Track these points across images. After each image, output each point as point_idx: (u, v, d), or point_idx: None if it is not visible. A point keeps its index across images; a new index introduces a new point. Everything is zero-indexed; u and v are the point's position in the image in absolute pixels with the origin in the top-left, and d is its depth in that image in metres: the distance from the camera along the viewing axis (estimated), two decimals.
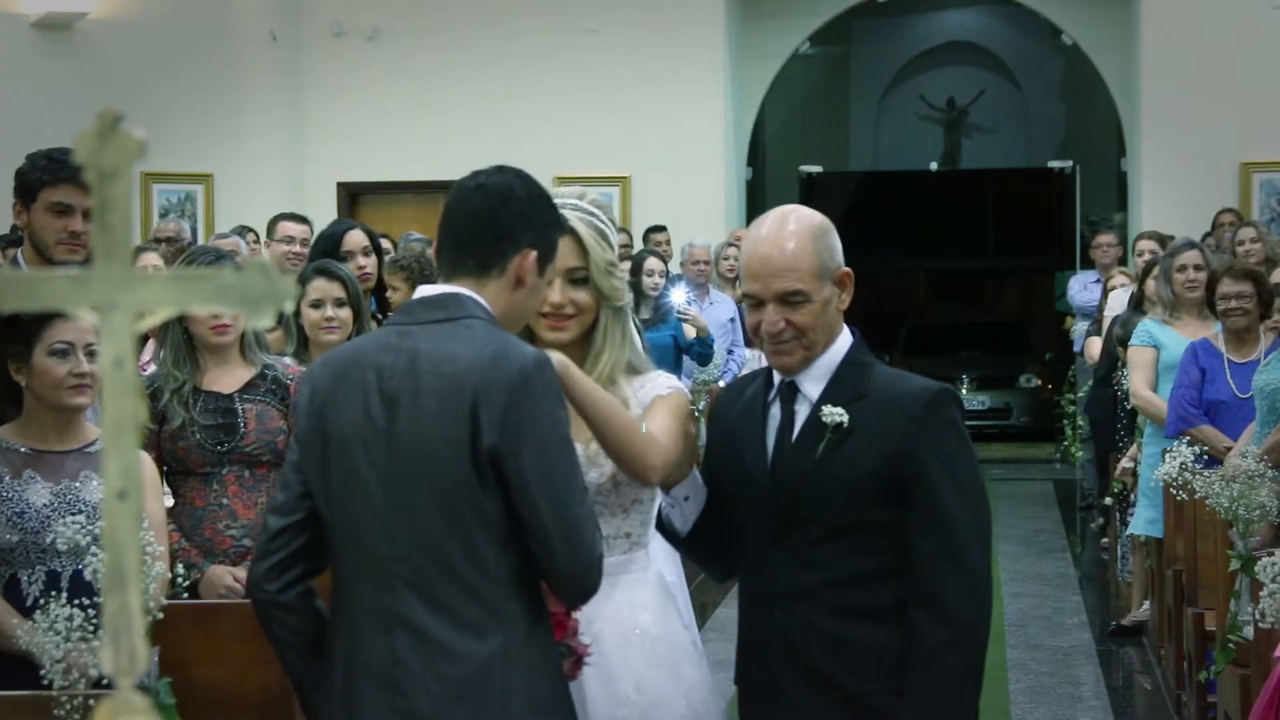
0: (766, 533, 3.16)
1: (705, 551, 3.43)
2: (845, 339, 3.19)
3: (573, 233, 3.24)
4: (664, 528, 3.35)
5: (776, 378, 3.22)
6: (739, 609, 3.30)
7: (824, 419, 3.10)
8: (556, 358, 3.01)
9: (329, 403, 2.88)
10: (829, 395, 3.14)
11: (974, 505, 3.10)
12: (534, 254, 2.93)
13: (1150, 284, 8.62)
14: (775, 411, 3.21)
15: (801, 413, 3.17)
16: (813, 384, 3.17)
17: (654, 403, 3.28)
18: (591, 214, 3.31)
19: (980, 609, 3.10)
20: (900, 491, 3.07)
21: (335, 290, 5.35)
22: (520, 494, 2.77)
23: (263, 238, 9.32)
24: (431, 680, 2.79)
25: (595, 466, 3.21)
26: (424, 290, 2.94)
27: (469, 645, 2.79)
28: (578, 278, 3.26)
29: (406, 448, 2.80)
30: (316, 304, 5.35)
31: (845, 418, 3.09)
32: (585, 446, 3.19)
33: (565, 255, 3.21)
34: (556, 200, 3.25)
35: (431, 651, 2.80)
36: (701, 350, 9.87)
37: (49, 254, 4.52)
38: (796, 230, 3.12)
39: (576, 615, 3.06)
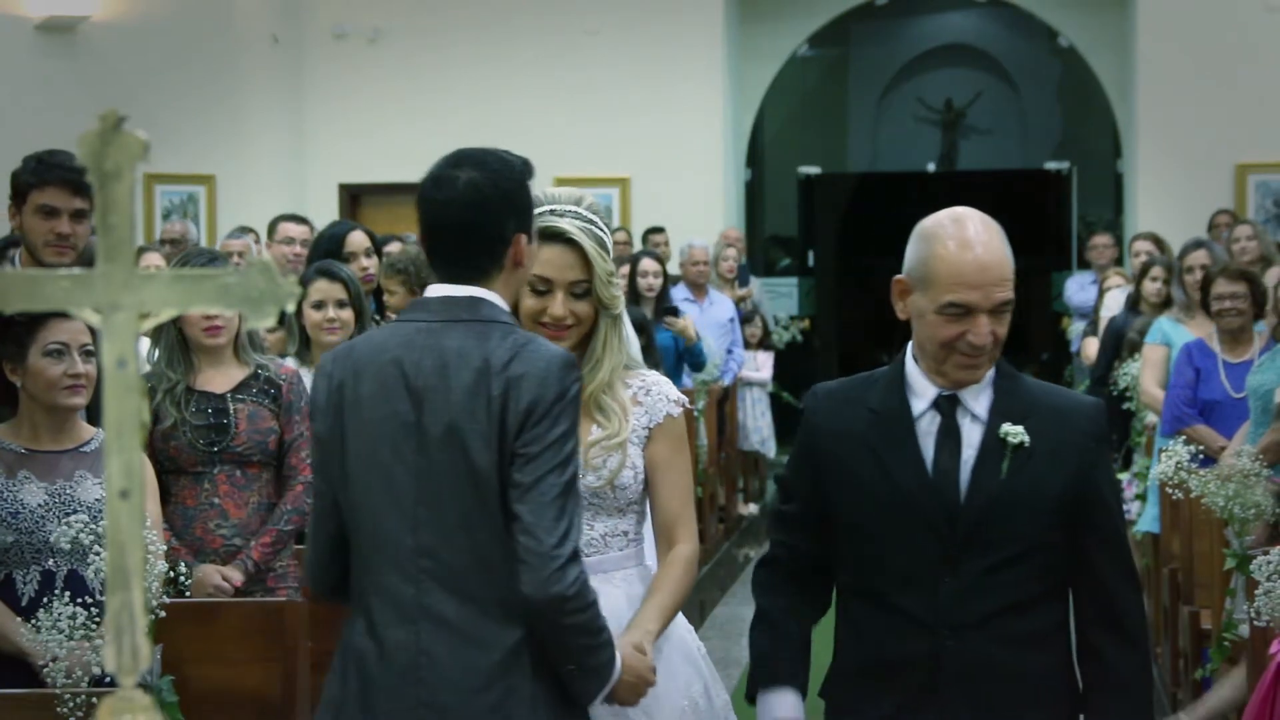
0: (935, 557, 2.94)
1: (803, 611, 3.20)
2: None
3: (577, 246, 3.26)
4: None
5: (926, 389, 2.98)
6: (874, 637, 3.02)
7: (1009, 439, 2.93)
8: (634, 644, 3.10)
9: (348, 397, 2.92)
10: (1000, 411, 2.96)
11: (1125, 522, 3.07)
12: (523, 237, 2.98)
13: (1147, 284, 8.65)
14: (927, 427, 2.99)
15: (970, 429, 2.97)
16: (977, 398, 2.97)
17: (665, 429, 3.33)
18: (591, 221, 3.31)
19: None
20: (1075, 512, 2.96)
21: (337, 291, 5.38)
22: (515, 481, 2.83)
23: (263, 238, 9.36)
24: (457, 671, 2.84)
25: (593, 471, 3.25)
26: (445, 289, 2.96)
27: (498, 633, 2.85)
28: (580, 291, 3.28)
29: (438, 442, 2.85)
30: (318, 305, 5.37)
31: (1027, 437, 2.93)
32: (584, 450, 3.24)
33: (568, 268, 3.26)
34: (556, 206, 3.29)
35: (459, 641, 2.84)
36: (692, 359, 9.85)
37: (39, 255, 4.57)
38: (997, 234, 2.95)
39: None
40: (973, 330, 2.91)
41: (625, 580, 3.31)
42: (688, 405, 3.45)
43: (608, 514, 3.29)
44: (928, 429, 2.98)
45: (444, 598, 2.85)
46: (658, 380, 3.39)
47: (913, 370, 3.01)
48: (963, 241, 2.91)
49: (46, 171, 4.50)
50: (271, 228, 8.08)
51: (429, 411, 2.85)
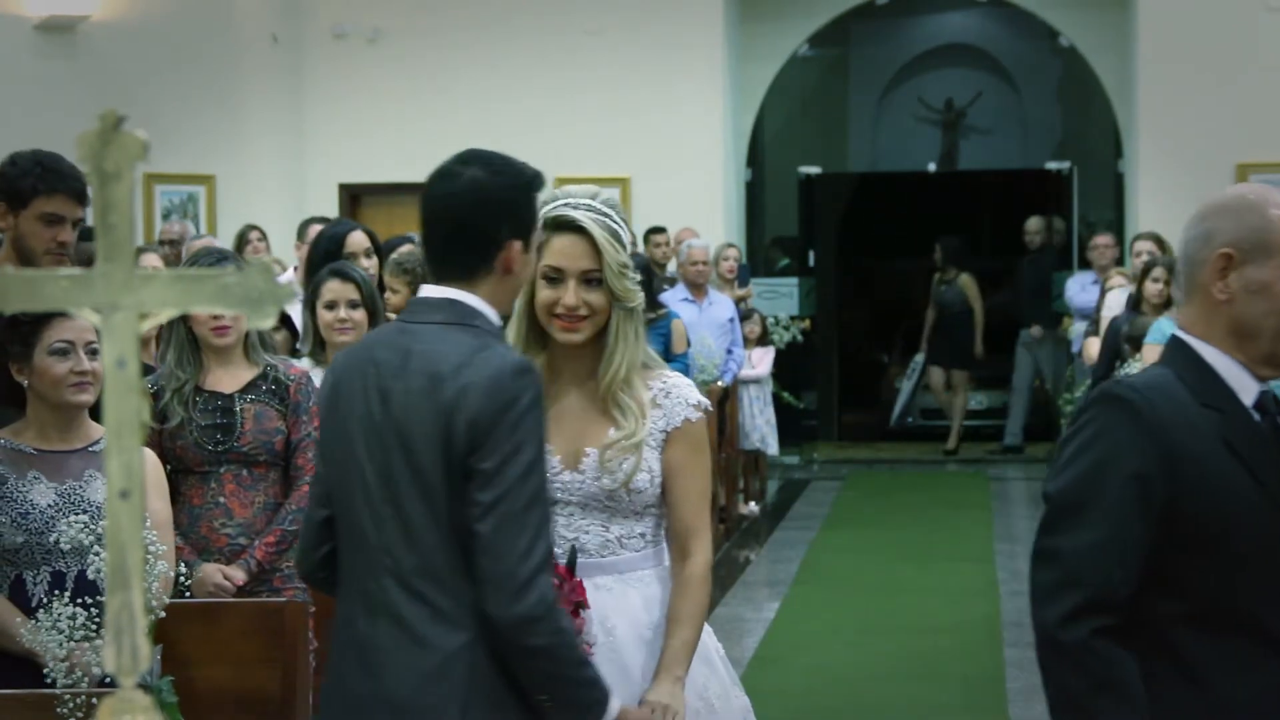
0: None
1: None
2: None
3: (587, 234, 3.26)
4: None
5: (1247, 384, 2.63)
6: (1236, 675, 2.58)
7: None
8: (656, 700, 3.12)
9: (340, 394, 2.96)
10: None
11: None
12: (518, 244, 2.95)
13: (1149, 285, 8.64)
14: (1262, 427, 2.63)
15: None
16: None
17: (684, 434, 3.32)
18: (605, 215, 3.32)
19: None
20: None
21: (349, 292, 5.38)
22: (475, 500, 2.80)
23: (256, 238, 9.42)
24: (402, 669, 2.87)
25: (608, 473, 3.26)
26: (426, 290, 2.98)
27: (440, 637, 2.85)
28: (591, 279, 3.27)
29: (394, 442, 2.86)
30: (330, 305, 5.37)
31: None
32: (600, 451, 3.26)
33: (579, 257, 3.26)
34: (570, 200, 3.30)
35: (406, 640, 2.86)
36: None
37: (34, 262, 4.43)
38: None
39: (584, 614, 3.10)
40: None
41: (641, 581, 3.31)
42: (709, 409, 3.44)
43: (623, 516, 3.29)
44: (1263, 429, 2.63)
45: (400, 596, 2.87)
46: (679, 383, 3.38)
47: (1225, 363, 2.63)
48: None
49: (57, 181, 4.42)
50: (301, 230, 8.23)
51: (390, 411, 2.87)
